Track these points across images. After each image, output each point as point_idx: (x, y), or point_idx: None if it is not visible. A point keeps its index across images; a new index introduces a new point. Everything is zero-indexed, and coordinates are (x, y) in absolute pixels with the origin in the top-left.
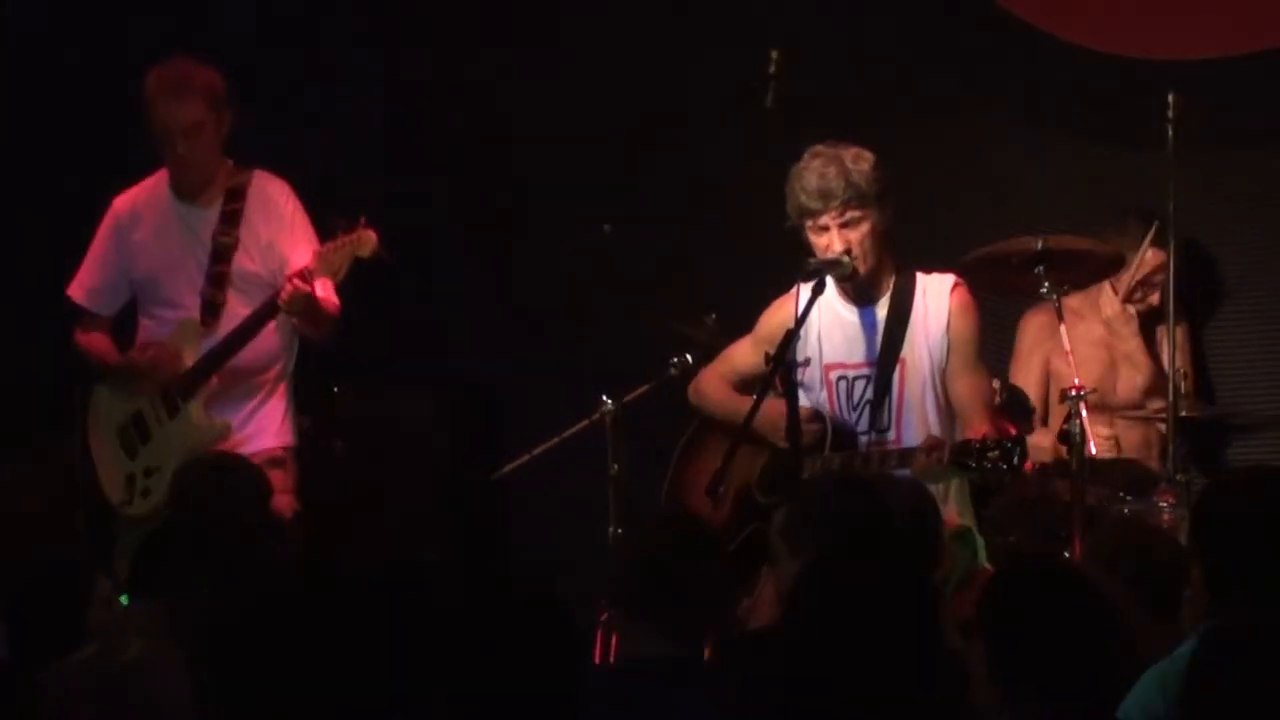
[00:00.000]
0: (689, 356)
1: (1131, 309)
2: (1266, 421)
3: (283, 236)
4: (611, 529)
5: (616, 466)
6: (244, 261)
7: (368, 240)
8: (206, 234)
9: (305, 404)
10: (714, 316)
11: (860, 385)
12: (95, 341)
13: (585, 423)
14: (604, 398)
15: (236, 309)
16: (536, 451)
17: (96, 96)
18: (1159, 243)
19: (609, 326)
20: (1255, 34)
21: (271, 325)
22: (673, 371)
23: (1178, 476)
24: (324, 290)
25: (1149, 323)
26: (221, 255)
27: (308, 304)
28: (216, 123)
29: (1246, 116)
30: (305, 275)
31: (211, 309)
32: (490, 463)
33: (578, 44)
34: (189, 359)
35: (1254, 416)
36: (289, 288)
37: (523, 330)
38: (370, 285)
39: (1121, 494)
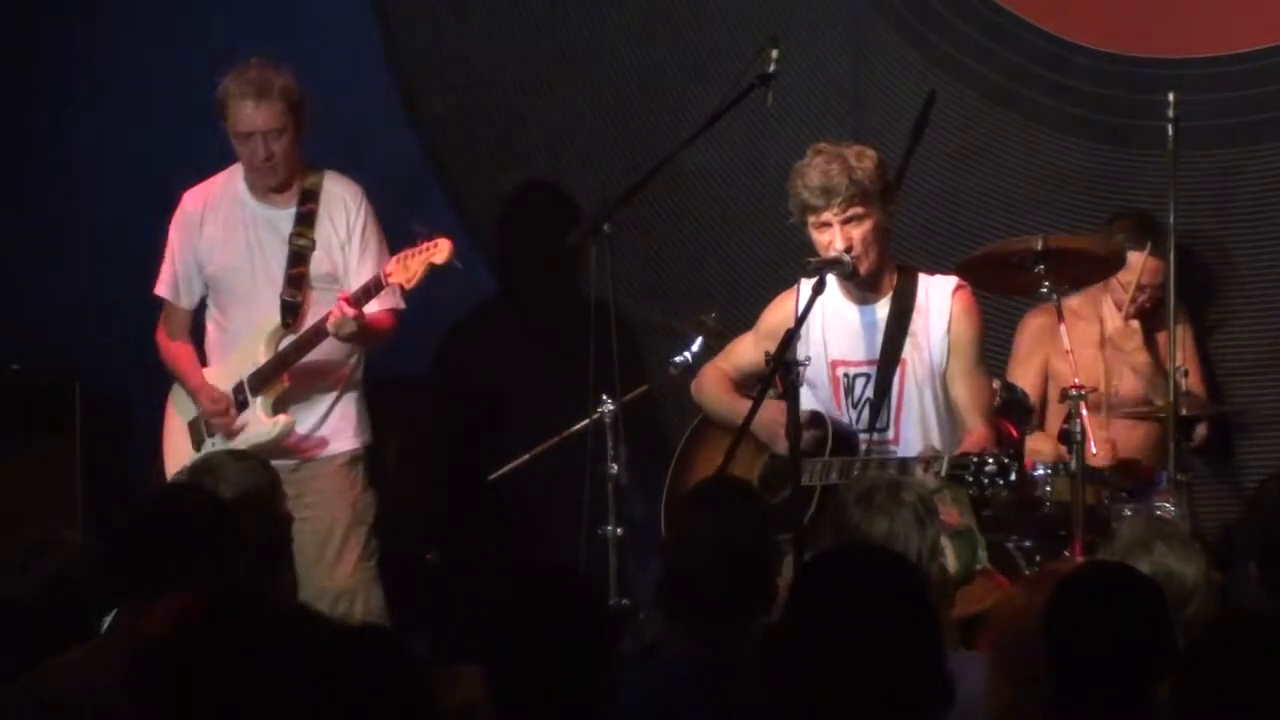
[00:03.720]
0: (689, 356)
1: (1134, 323)
2: (1268, 422)
3: (352, 241)
4: (611, 529)
5: (616, 466)
6: (321, 263)
7: (444, 248)
8: (284, 234)
9: None
10: (714, 316)
11: (860, 383)
12: (180, 357)
13: (585, 423)
14: (604, 398)
15: (316, 310)
16: (536, 451)
17: (98, 91)
18: (1156, 252)
19: (609, 327)
20: (1255, 34)
21: None
22: (673, 371)
23: (1178, 477)
24: (380, 305)
25: (1149, 324)
26: (300, 257)
27: (357, 328)
28: (296, 125)
29: (1246, 116)
30: (359, 296)
31: (292, 310)
32: (490, 463)
33: (579, 42)
34: (263, 357)
35: (1255, 417)
36: (336, 313)
37: (523, 330)
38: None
39: (1121, 494)
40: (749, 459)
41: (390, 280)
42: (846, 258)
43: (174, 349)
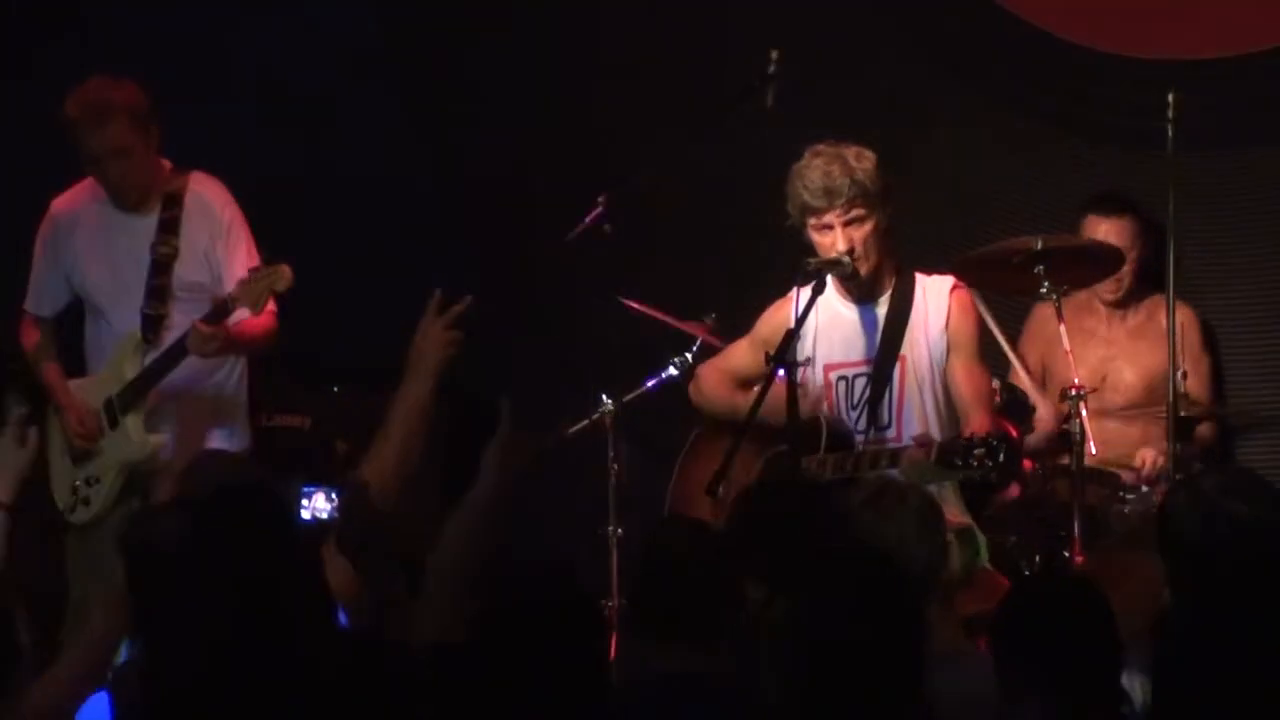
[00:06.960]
0: (689, 356)
1: (1111, 295)
2: (1266, 422)
3: (219, 244)
4: (611, 529)
5: (616, 466)
6: (184, 271)
7: (284, 275)
8: (146, 243)
9: (304, 404)
10: (714, 317)
11: (860, 383)
12: (47, 371)
13: (585, 423)
14: (604, 398)
15: (179, 320)
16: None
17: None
18: (1127, 215)
19: (609, 326)
20: (1255, 34)
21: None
22: (673, 371)
23: (1178, 476)
24: (245, 318)
25: (1135, 301)
26: (162, 267)
27: (220, 345)
28: (145, 139)
29: (1246, 116)
30: (211, 316)
31: (153, 324)
32: None
33: (580, 42)
34: (130, 373)
35: (1255, 416)
36: (193, 333)
37: (523, 330)
38: (369, 285)
39: (1122, 494)
40: (749, 461)
41: (236, 305)
42: (846, 259)
43: (41, 365)
